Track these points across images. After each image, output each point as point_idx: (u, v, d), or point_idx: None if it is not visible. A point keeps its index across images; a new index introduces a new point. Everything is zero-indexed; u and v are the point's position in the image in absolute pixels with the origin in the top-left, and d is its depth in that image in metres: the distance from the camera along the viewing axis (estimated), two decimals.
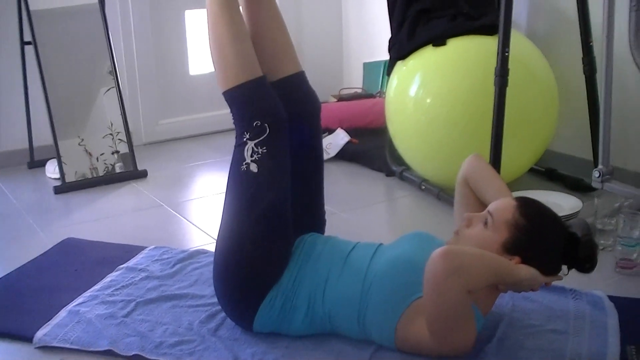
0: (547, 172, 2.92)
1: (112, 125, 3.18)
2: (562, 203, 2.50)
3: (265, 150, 1.74)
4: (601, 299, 1.90)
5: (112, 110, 3.19)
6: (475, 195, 1.84)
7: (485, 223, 1.62)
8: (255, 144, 1.74)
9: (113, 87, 3.20)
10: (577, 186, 2.77)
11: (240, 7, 1.86)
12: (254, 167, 1.74)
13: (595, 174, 2.32)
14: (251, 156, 1.74)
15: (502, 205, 1.63)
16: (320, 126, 1.95)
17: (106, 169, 3.13)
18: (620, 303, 1.89)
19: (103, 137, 3.16)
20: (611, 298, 1.91)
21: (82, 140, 3.11)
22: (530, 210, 1.60)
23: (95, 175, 3.10)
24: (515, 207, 1.60)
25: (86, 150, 3.11)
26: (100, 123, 3.16)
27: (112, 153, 3.17)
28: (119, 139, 3.19)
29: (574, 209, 2.43)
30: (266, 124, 1.74)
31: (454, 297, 1.46)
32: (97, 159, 3.13)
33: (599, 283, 1.98)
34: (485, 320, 1.65)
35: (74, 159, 3.07)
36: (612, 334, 1.73)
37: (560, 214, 2.35)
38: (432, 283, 1.46)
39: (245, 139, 1.75)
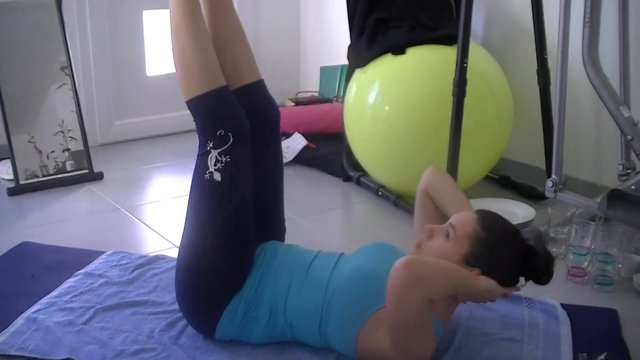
0: (501, 179, 2.99)
1: (63, 122, 3.14)
2: (516, 211, 2.57)
3: (228, 159, 1.75)
4: (554, 307, 1.96)
5: (63, 108, 3.14)
6: (436, 206, 1.87)
7: (447, 235, 1.65)
8: (218, 153, 1.75)
9: (65, 84, 3.15)
10: (530, 194, 2.84)
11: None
12: (217, 176, 1.75)
13: (549, 184, 2.38)
14: (214, 165, 1.75)
15: (463, 218, 1.66)
16: (279, 134, 1.97)
17: (57, 167, 3.09)
18: (572, 311, 1.95)
19: (54, 135, 3.11)
20: (563, 306, 1.97)
21: (32, 137, 3.06)
22: (491, 224, 1.64)
23: (45, 174, 3.05)
24: (477, 220, 1.64)
25: (36, 148, 3.06)
26: (50, 120, 3.11)
27: (63, 151, 3.12)
28: (70, 137, 3.15)
29: (528, 217, 2.50)
30: (230, 133, 1.75)
31: (415, 305, 1.49)
32: (48, 156, 3.09)
33: (552, 291, 2.04)
34: (443, 329, 1.69)
35: (23, 157, 3.01)
36: (565, 342, 1.79)
37: (514, 222, 2.40)
38: (395, 291, 1.49)
39: (208, 148, 1.76)
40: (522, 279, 1.66)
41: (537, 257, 1.63)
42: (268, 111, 1.93)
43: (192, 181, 1.81)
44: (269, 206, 1.94)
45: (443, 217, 1.84)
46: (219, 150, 1.75)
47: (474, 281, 1.57)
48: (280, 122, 1.98)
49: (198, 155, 1.79)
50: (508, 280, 1.63)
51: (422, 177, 1.93)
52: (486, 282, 1.58)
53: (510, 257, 1.63)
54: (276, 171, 1.95)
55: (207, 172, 1.75)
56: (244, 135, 1.79)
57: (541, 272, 1.64)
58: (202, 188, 1.77)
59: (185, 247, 1.78)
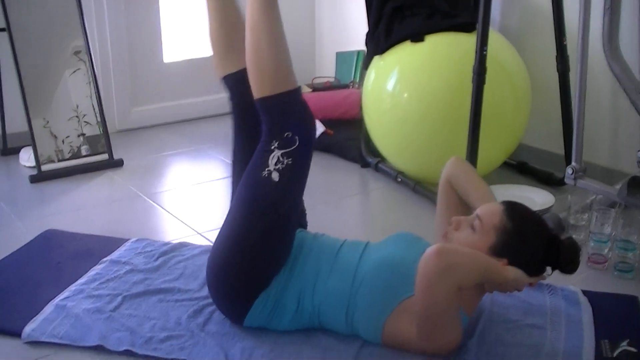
0: (519, 165, 3.00)
1: (77, 107, 3.17)
2: (535, 198, 2.58)
3: (290, 162, 1.73)
4: (575, 294, 1.98)
5: (77, 93, 3.17)
6: (459, 196, 1.89)
7: (474, 226, 1.67)
8: (282, 154, 1.73)
9: (79, 69, 3.17)
10: (548, 180, 2.85)
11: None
12: (275, 176, 1.74)
13: (569, 171, 2.39)
14: (275, 165, 1.74)
15: (490, 209, 1.68)
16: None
17: (71, 152, 3.12)
18: (592, 298, 1.97)
19: (68, 120, 3.14)
20: (584, 292, 1.99)
21: (47, 122, 3.08)
22: (517, 214, 1.66)
23: (61, 158, 3.08)
24: (503, 211, 1.66)
25: (51, 133, 3.09)
26: (65, 106, 3.13)
27: (78, 136, 3.15)
28: (85, 122, 3.18)
29: (547, 204, 2.51)
30: (297, 137, 1.73)
31: (445, 292, 1.52)
32: (63, 141, 3.12)
33: (573, 278, 2.03)
34: (468, 319, 1.71)
35: (38, 142, 3.04)
36: (587, 329, 1.81)
37: (533, 208, 2.43)
38: (425, 278, 1.52)
39: (273, 147, 1.74)
40: (548, 269, 1.68)
41: (563, 247, 1.65)
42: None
43: (246, 174, 1.80)
44: None
45: (465, 207, 1.87)
46: (283, 151, 1.74)
47: (501, 271, 1.59)
48: None
49: (259, 151, 1.77)
50: (534, 270, 1.65)
51: (445, 167, 1.94)
52: (514, 272, 1.60)
53: (537, 247, 1.65)
54: None
55: (266, 169, 1.74)
56: (310, 141, 1.77)
57: (567, 262, 1.66)
58: (256, 184, 1.76)
59: (228, 237, 1.78)
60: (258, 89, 1.76)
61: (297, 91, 1.77)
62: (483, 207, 1.71)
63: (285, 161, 1.73)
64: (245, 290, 1.75)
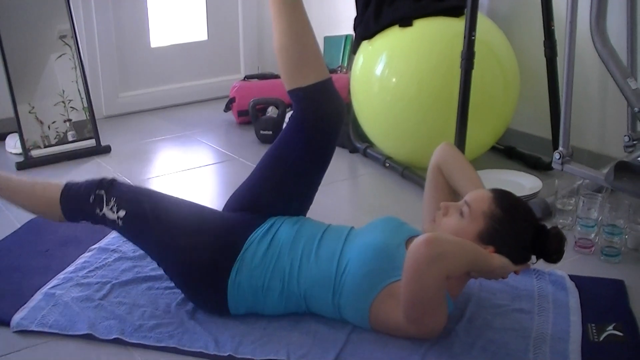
0: (507, 150, 3.01)
1: (63, 92, 3.15)
2: (523, 182, 2.60)
3: (115, 199, 1.87)
4: (563, 278, 1.99)
5: (63, 78, 3.15)
6: (447, 182, 1.90)
7: (462, 213, 1.68)
8: (106, 206, 1.87)
9: (64, 54, 3.15)
10: (536, 165, 2.86)
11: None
12: (122, 213, 1.85)
13: (556, 156, 2.40)
14: (114, 213, 1.86)
15: (479, 196, 1.69)
16: (339, 135, 1.96)
17: (58, 137, 3.10)
18: (580, 282, 1.98)
19: (54, 105, 3.12)
20: (571, 277, 2.01)
21: (33, 107, 3.06)
22: (506, 202, 1.67)
23: (47, 144, 3.07)
24: (492, 198, 1.67)
25: (37, 118, 3.07)
26: (50, 90, 3.11)
27: (64, 121, 3.14)
28: (71, 107, 3.16)
29: (535, 188, 2.52)
30: (96, 192, 1.88)
31: (433, 281, 1.53)
32: (49, 127, 3.10)
33: (560, 262, 2.06)
34: (453, 303, 1.72)
35: (24, 127, 3.02)
36: (574, 313, 1.83)
37: (520, 193, 2.45)
38: (414, 267, 1.52)
39: (100, 215, 1.88)
40: (533, 257, 1.69)
41: (549, 236, 1.66)
42: (336, 110, 1.91)
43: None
44: (301, 193, 1.95)
45: (454, 194, 1.88)
46: (104, 205, 1.88)
47: (488, 259, 1.60)
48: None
49: (107, 227, 1.91)
50: (520, 258, 1.66)
51: (434, 152, 1.95)
52: (500, 260, 1.61)
53: (524, 235, 1.66)
54: (322, 167, 1.96)
55: (117, 220, 1.86)
56: (106, 182, 1.92)
57: (552, 251, 1.67)
58: (130, 230, 1.89)
59: (163, 264, 1.86)
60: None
61: (65, 190, 1.95)
62: (472, 194, 1.71)
63: (112, 202, 1.87)
64: (210, 278, 1.76)
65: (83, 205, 1.89)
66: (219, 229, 1.81)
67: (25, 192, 1.98)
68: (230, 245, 1.77)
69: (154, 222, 1.82)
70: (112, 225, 1.87)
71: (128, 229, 1.86)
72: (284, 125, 2.03)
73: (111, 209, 1.84)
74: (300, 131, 1.86)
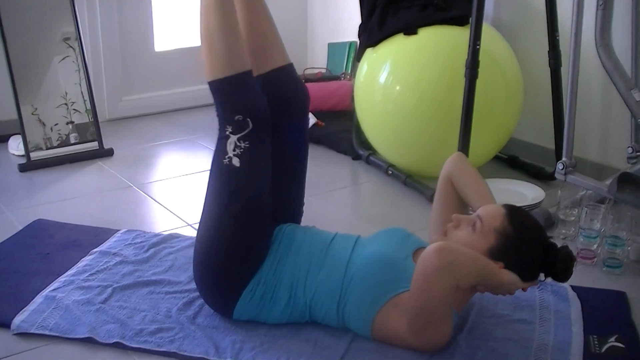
0: (510, 159, 3.00)
1: (66, 95, 3.14)
2: (525, 192, 2.59)
3: (247, 145, 1.75)
4: (564, 289, 1.99)
5: (66, 80, 3.14)
6: (457, 194, 1.89)
7: (474, 226, 1.67)
8: (237, 138, 1.75)
9: (68, 57, 3.14)
10: (538, 174, 2.86)
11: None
12: (236, 162, 1.75)
13: (559, 166, 2.40)
14: (233, 150, 1.75)
15: (491, 211, 1.68)
16: (308, 118, 1.97)
17: (60, 139, 3.10)
18: (581, 293, 1.98)
19: (57, 107, 3.11)
20: (573, 288, 2.00)
21: (36, 109, 3.06)
22: (518, 220, 1.66)
23: (49, 146, 3.07)
24: (504, 215, 1.66)
25: (39, 120, 3.07)
26: (53, 93, 3.11)
27: (67, 123, 3.14)
28: (74, 109, 3.16)
29: (537, 198, 2.52)
30: (248, 119, 1.75)
31: (442, 291, 1.52)
32: (51, 129, 3.10)
33: None
34: (457, 316, 1.72)
35: (27, 129, 3.02)
36: (576, 324, 1.82)
37: (523, 203, 2.45)
38: (424, 275, 1.52)
39: (227, 133, 1.76)
40: (541, 275, 1.69)
41: (559, 256, 1.65)
42: (297, 95, 1.93)
43: (211, 164, 1.82)
44: (290, 191, 1.96)
45: (464, 206, 1.88)
46: (238, 135, 1.75)
47: (498, 274, 1.59)
48: None
49: (218, 139, 1.80)
50: (528, 276, 1.65)
51: (446, 163, 1.94)
52: (509, 276, 1.60)
53: (533, 254, 1.65)
54: (301, 157, 1.97)
55: (226, 157, 1.76)
56: (264, 122, 1.78)
57: (561, 271, 1.66)
58: (220, 173, 1.78)
59: (204, 230, 1.79)
60: (209, 72, 1.79)
61: (246, 74, 1.79)
62: (485, 208, 1.71)
63: (243, 145, 1.75)
64: (229, 280, 1.75)
65: (231, 108, 1.76)
66: (259, 245, 1.79)
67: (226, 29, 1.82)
68: (258, 260, 1.77)
69: (237, 201, 1.74)
70: (220, 149, 1.77)
71: (221, 173, 1.77)
72: None
73: (237, 146, 1.74)
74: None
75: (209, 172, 1.83)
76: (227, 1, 1.78)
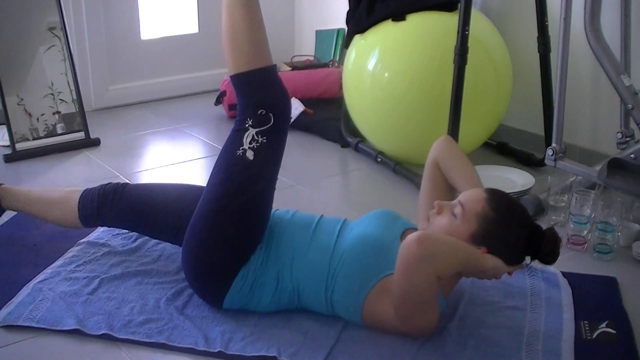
0: (499, 146, 3.00)
1: (52, 85, 3.11)
2: (515, 179, 2.59)
3: (265, 140, 1.74)
4: (555, 275, 1.99)
5: (52, 70, 3.11)
6: (445, 178, 1.88)
7: (455, 213, 1.66)
8: (256, 132, 1.74)
9: (54, 46, 3.11)
10: (528, 161, 2.85)
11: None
12: (250, 155, 1.74)
13: (549, 152, 2.39)
14: (249, 143, 1.74)
15: (472, 196, 1.67)
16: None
17: (47, 130, 3.07)
18: (572, 279, 1.98)
19: (43, 97, 3.08)
20: (564, 274, 2.00)
21: (22, 100, 3.03)
22: (500, 204, 1.65)
23: (36, 136, 3.04)
24: (486, 199, 1.65)
25: (26, 110, 3.04)
26: (39, 83, 3.08)
27: (53, 114, 3.10)
28: (60, 99, 3.12)
29: (527, 185, 2.51)
30: (271, 114, 1.74)
31: (424, 281, 1.51)
32: (38, 119, 3.07)
33: None
34: (445, 302, 1.71)
35: (12, 120, 2.99)
36: (567, 310, 1.82)
37: (513, 189, 2.45)
38: (405, 266, 1.51)
39: (247, 125, 1.74)
40: (527, 258, 1.68)
41: (544, 238, 1.64)
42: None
43: (220, 154, 1.80)
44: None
45: (451, 190, 1.86)
46: (258, 129, 1.74)
47: (480, 260, 1.58)
48: None
49: (233, 130, 1.78)
50: (514, 259, 1.64)
51: (433, 147, 1.92)
52: (493, 261, 1.59)
53: (517, 237, 1.64)
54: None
55: (241, 148, 1.74)
56: (286, 120, 1.78)
57: (547, 253, 1.65)
58: (231, 163, 1.76)
59: (205, 216, 1.77)
60: (233, 66, 1.77)
61: (272, 68, 1.77)
62: (466, 194, 1.69)
63: (260, 140, 1.74)
64: (224, 268, 1.74)
65: (254, 101, 1.74)
66: (255, 239, 1.77)
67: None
68: (250, 250, 1.75)
69: (242, 194, 1.73)
70: (235, 139, 1.75)
71: (232, 163, 1.75)
72: None
73: (253, 139, 1.72)
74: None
75: (215, 161, 1.82)
76: None
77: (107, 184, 2.03)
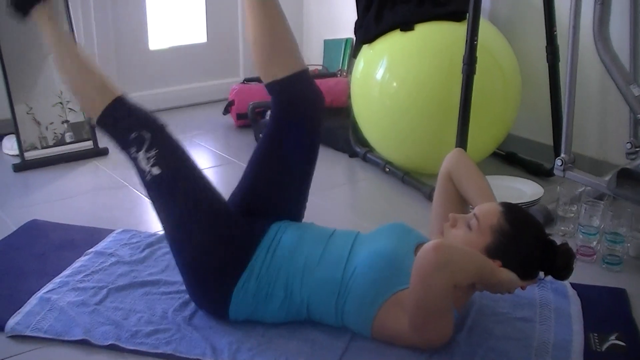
0: (508, 155, 2.98)
1: (61, 94, 3.12)
2: (524, 189, 2.58)
3: (156, 151, 1.78)
4: (564, 286, 1.97)
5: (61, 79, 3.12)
6: (457, 190, 1.87)
7: (470, 225, 1.65)
8: (144, 152, 1.78)
9: None
10: (537, 171, 2.84)
11: (246, 7, 1.90)
12: (155, 170, 1.77)
13: (558, 162, 2.38)
14: (147, 163, 1.78)
15: (488, 209, 1.66)
16: (321, 124, 1.94)
17: (55, 139, 3.08)
18: (581, 290, 1.96)
19: (52, 106, 3.09)
20: (573, 285, 1.98)
21: (31, 108, 3.04)
22: (516, 217, 1.64)
23: (45, 145, 3.05)
24: (501, 212, 1.64)
25: (35, 119, 3.05)
26: (48, 91, 3.09)
27: (62, 122, 3.11)
28: (69, 108, 3.13)
29: (536, 195, 2.50)
30: (143, 131, 1.79)
31: (440, 289, 1.50)
32: (47, 128, 3.08)
33: None
34: (458, 314, 1.70)
35: (22, 128, 3.00)
36: (576, 322, 1.81)
37: (522, 200, 2.44)
38: (422, 273, 1.50)
39: (133, 155, 1.79)
40: (541, 273, 1.67)
41: (558, 254, 1.63)
42: (310, 100, 1.91)
43: (145, 187, 1.84)
44: (291, 188, 1.93)
45: (464, 203, 1.86)
46: (143, 149, 1.78)
47: (496, 272, 1.57)
48: None
49: (133, 166, 1.82)
50: (528, 274, 1.63)
51: (445, 159, 1.91)
52: (507, 274, 1.58)
53: (532, 251, 1.63)
54: (309, 161, 1.95)
55: (146, 173, 1.78)
56: (155, 123, 1.82)
57: (561, 268, 1.64)
58: (153, 189, 1.81)
59: (173, 245, 1.81)
60: (91, 115, 1.92)
61: (118, 99, 1.84)
62: (481, 207, 1.69)
63: (153, 154, 1.77)
64: (217, 281, 1.74)
65: (122, 133, 1.82)
66: (235, 234, 1.78)
67: (82, 73, 1.91)
68: (244, 252, 1.75)
69: (180, 200, 1.78)
70: (139, 171, 1.80)
71: (152, 188, 1.81)
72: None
73: (148, 158, 1.77)
74: (279, 124, 1.88)
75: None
76: (66, 41, 1.91)
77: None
